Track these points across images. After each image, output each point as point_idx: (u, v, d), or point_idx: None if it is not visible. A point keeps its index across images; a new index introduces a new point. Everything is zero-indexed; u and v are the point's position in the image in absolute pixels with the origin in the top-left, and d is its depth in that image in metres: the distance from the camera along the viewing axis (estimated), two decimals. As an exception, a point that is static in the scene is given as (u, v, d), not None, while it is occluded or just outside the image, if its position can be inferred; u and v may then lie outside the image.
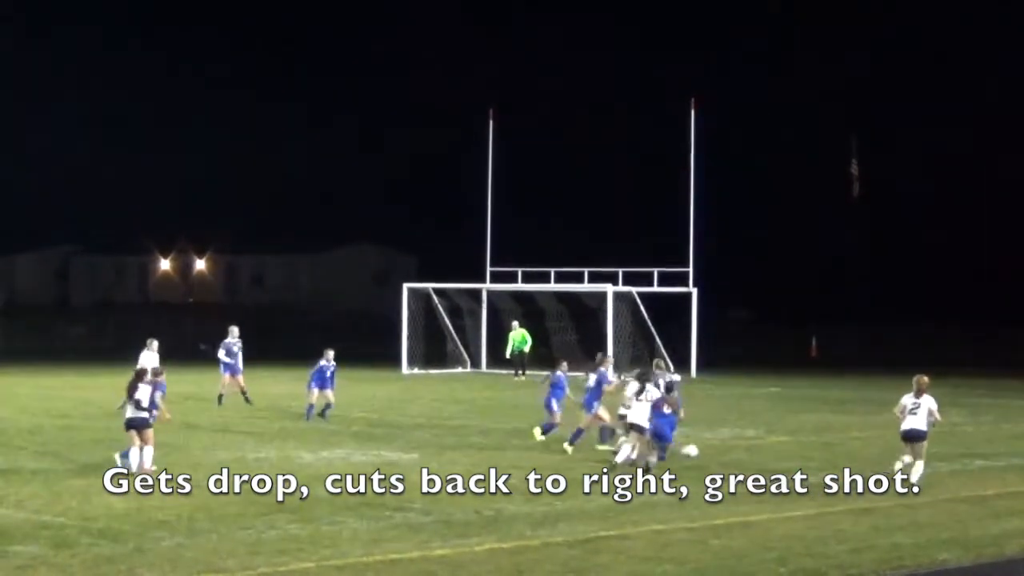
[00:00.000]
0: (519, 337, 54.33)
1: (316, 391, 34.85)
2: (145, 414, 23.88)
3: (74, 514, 19.98)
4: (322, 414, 34.59)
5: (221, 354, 40.21)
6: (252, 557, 17.16)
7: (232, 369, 39.84)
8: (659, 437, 25.57)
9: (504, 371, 54.91)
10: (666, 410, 25.68)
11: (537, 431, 29.77)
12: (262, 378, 49.36)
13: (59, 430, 31.48)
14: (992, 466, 27.52)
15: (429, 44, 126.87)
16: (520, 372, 53.46)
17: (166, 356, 38.63)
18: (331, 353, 35.51)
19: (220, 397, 39.41)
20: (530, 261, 58.59)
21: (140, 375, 24.52)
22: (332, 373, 35.16)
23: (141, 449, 23.70)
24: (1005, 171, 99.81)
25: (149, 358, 36.02)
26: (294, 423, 33.96)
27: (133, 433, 23.77)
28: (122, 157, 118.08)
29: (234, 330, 40.92)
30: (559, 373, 29.90)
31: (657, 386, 26.38)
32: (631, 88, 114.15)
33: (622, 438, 26.57)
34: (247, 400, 38.93)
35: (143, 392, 23.94)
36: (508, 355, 54.65)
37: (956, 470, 26.83)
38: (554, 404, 29.74)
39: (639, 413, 25.58)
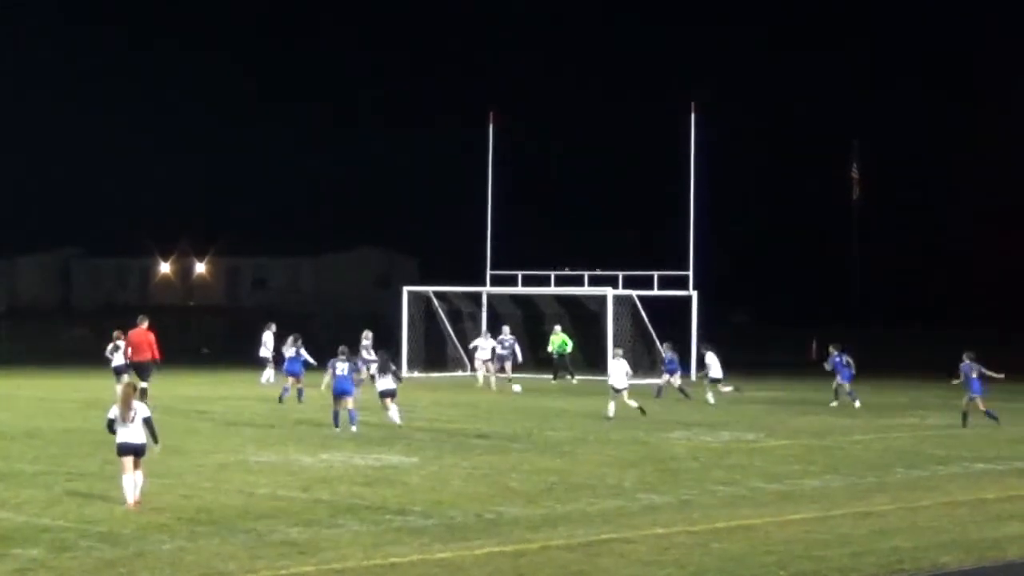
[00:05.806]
0: (559, 341, 52.84)
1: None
2: (350, 385, 31.88)
3: (74, 517, 19.95)
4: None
5: (497, 348, 48.95)
6: (253, 560, 17.15)
7: (505, 359, 49.00)
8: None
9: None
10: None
11: None
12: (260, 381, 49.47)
13: (59, 433, 31.47)
14: (992, 469, 27.51)
15: (430, 46, 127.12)
16: (563, 375, 52.06)
17: (167, 359, 38.73)
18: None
19: (516, 384, 47.11)
20: (530, 264, 58.56)
21: (338, 355, 32.23)
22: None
23: (348, 411, 31.67)
24: (1005, 172, 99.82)
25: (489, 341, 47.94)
26: (294, 427, 33.95)
27: (341, 399, 31.75)
28: (123, 159, 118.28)
29: (506, 328, 49.97)
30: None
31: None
32: (631, 90, 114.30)
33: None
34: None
35: (340, 368, 31.98)
36: (553, 355, 52.92)
37: (956, 473, 26.82)
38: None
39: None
